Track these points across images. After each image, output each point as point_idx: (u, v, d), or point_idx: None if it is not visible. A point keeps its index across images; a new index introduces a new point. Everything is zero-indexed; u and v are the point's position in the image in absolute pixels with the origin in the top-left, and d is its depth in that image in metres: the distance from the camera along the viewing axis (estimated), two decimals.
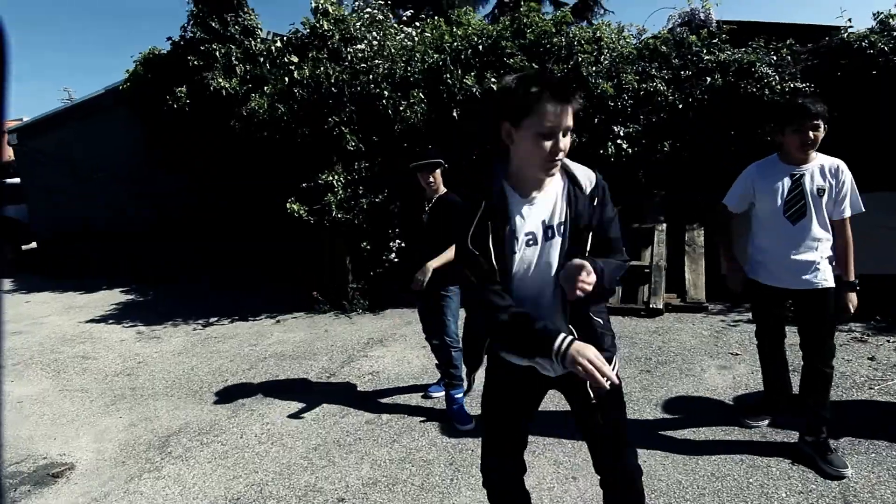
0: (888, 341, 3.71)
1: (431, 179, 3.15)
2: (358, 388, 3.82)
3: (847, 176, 2.42)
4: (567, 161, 1.47)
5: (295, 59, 5.28)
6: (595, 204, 1.47)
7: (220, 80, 6.61)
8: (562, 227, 1.46)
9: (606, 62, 5.00)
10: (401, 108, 5.20)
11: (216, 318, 5.97)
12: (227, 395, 3.91)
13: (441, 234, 3.13)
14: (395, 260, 5.56)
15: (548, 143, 1.35)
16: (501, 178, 1.48)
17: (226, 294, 6.89)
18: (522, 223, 1.46)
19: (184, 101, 6.89)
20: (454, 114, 5.09)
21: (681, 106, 4.73)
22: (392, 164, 5.46)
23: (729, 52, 4.78)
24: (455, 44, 5.33)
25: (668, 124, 4.78)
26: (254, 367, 4.41)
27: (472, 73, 5.09)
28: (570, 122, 1.35)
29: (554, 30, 5.12)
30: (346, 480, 2.69)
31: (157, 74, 7.60)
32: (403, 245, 3.16)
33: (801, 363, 2.53)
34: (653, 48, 4.97)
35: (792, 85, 4.53)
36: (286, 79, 5.20)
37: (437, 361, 3.55)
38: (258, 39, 7.15)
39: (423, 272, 3.08)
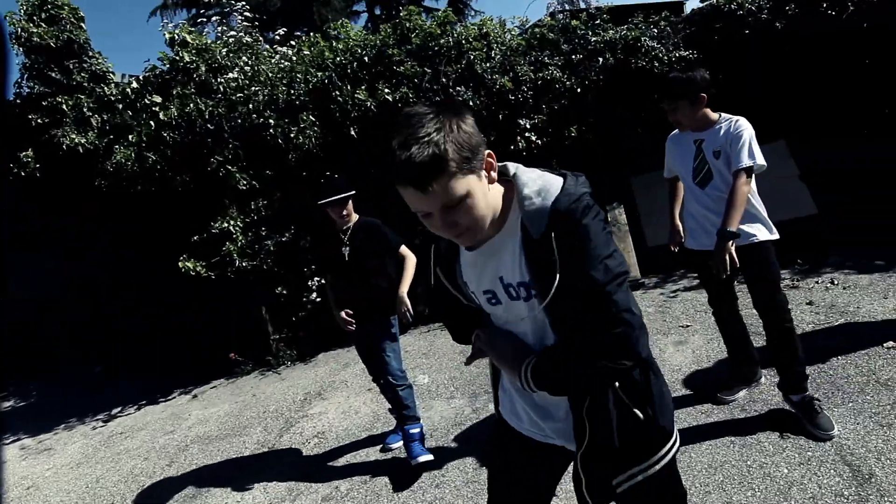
0: (817, 282, 3.84)
1: (345, 213, 2.86)
2: (304, 457, 3.31)
3: (744, 132, 2.40)
4: (526, 198, 1.07)
5: (158, 99, 4.62)
6: (553, 252, 1.04)
7: (73, 135, 5.72)
8: (526, 287, 1.10)
9: (498, 57, 4.87)
10: (291, 136, 4.73)
11: (119, 409, 5.10)
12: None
13: (371, 260, 2.89)
14: (318, 300, 5.06)
15: (428, 222, 1.05)
16: None
17: (124, 376, 5.97)
18: (473, 276, 1.18)
19: (32, 166, 5.90)
20: (352, 132, 4.71)
21: (579, 90, 4.70)
22: (293, 198, 4.97)
23: (613, 31, 4.83)
24: (338, 59, 4.95)
25: (570, 110, 4.74)
26: (174, 460, 3.73)
27: (363, 87, 4.74)
28: (445, 200, 0.99)
29: (439, 31, 4.91)
30: None
31: None
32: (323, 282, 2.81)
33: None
34: (541, 37, 4.91)
35: (677, 54, 4.65)
36: (151, 123, 4.53)
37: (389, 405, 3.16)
38: (111, 84, 6.31)
39: (401, 302, 2.78)
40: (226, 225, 4.62)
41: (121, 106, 6.00)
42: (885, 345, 2.82)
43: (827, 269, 3.99)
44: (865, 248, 4.07)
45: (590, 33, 4.83)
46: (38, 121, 6.03)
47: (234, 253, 4.67)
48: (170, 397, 5.07)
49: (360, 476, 2.93)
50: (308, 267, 5.09)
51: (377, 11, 17.81)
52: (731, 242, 2.26)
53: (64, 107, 5.94)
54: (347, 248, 2.90)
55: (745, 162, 2.32)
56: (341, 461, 3.16)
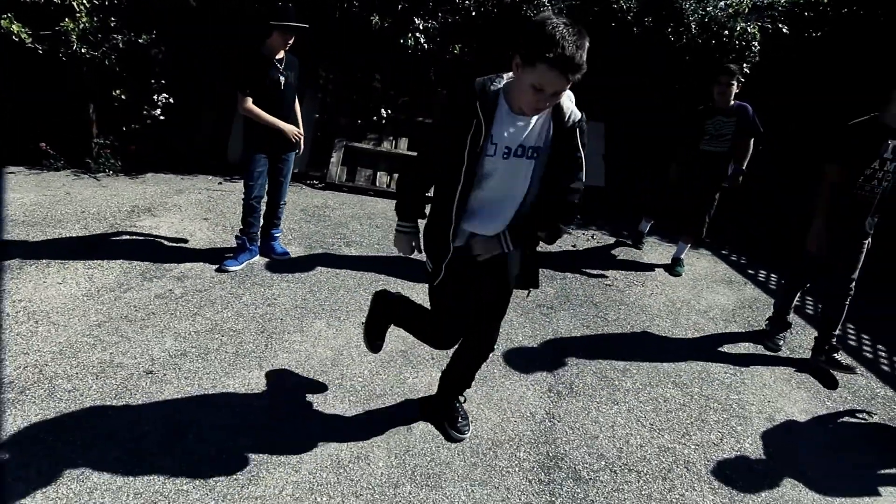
0: (583, 233, 5.16)
1: (290, 42, 3.21)
2: (134, 259, 3.46)
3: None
4: (565, 104, 1.68)
5: None
6: (570, 136, 1.69)
7: None
8: (535, 151, 1.70)
9: None
10: None
11: None
12: None
13: (295, 92, 3.42)
14: (161, 118, 4.82)
15: (538, 96, 1.52)
16: (501, 86, 1.66)
17: None
18: (502, 134, 1.65)
19: None
20: None
21: (474, 13, 5.12)
22: None
23: None
24: None
25: (461, 28, 5.14)
26: None
27: None
28: (564, 88, 1.53)
29: None
30: (150, 353, 2.62)
31: None
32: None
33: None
34: None
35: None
36: None
37: (238, 233, 3.51)
38: None
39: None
40: None
41: None
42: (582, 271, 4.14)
43: (592, 227, 5.37)
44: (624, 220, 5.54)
45: None
46: None
47: (71, 34, 4.15)
48: None
49: (194, 286, 3.26)
50: (157, 80, 4.76)
51: None
52: None
53: None
54: (283, 77, 3.24)
55: None
56: (175, 271, 3.41)
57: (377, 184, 5.31)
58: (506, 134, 1.66)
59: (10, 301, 2.86)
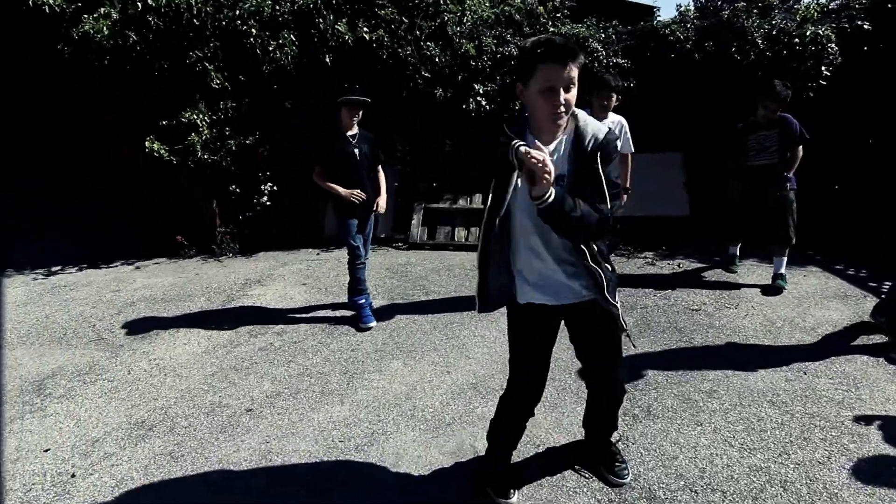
0: (668, 263, 4.96)
1: (357, 117, 3.67)
2: (243, 321, 3.99)
3: (627, 129, 3.83)
4: (582, 115, 1.68)
5: None
6: (591, 160, 1.63)
7: None
8: (562, 178, 1.67)
9: (469, 24, 5.50)
10: (270, 49, 5.14)
11: (59, 267, 5.45)
12: (99, 338, 3.81)
13: (373, 163, 3.83)
14: (268, 203, 5.61)
15: (550, 98, 1.57)
16: (527, 128, 1.72)
17: (64, 240, 6.21)
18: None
19: None
20: (327, 59, 5.20)
21: None
22: (261, 105, 5.42)
23: (569, 26, 5.59)
24: None
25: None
26: (122, 311, 4.28)
27: (345, 20, 5.20)
28: (571, 76, 1.55)
29: None
30: (251, 395, 2.99)
31: None
32: (334, 176, 3.49)
33: None
34: (508, 16, 5.57)
35: (615, 60, 5.50)
36: (138, 4, 4.76)
37: (350, 299, 3.94)
38: None
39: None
40: (194, 117, 5.02)
41: None
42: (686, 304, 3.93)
43: (679, 256, 5.13)
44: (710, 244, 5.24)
45: (550, 23, 5.56)
46: None
47: (197, 144, 5.09)
48: (112, 265, 5.48)
49: (290, 340, 3.67)
50: (263, 172, 5.60)
51: None
52: None
53: None
54: (357, 150, 3.68)
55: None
56: (276, 328, 3.87)
57: (455, 239, 5.61)
58: None
59: (147, 360, 3.44)
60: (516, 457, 2.34)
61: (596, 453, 2.30)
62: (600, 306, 1.83)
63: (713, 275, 4.59)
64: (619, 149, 1.81)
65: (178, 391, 3.06)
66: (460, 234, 5.64)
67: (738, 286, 4.32)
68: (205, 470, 2.39)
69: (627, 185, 4.10)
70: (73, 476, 2.39)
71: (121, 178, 6.00)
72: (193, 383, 3.14)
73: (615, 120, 3.84)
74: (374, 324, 3.82)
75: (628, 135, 3.91)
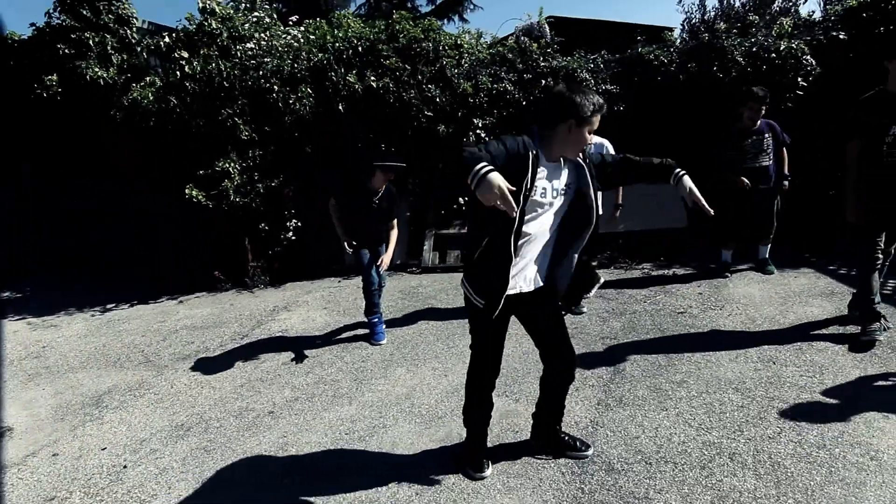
0: (664, 272, 5.20)
1: (392, 178, 4.14)
2: (270, 342, 4.48)
3: (610, 149, 4.13)
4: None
5: (185, 55, 5.61)
6: (588, 170, 2.15)
7: (97, 69, 6.64)
8: (565, 189, 2.16)
9: (466, 65, 6.04)
10: (290, 102, 5.80)
11: (113, 305, 6.13)
12: (147, 360, 4.37)
13: (387, 215, 4.23)
14: (293, 238, 6.19)
15: (588, 137, 2.07)
16: (537, 143, 2.08)
17: (116, 283, 6.95)
18: (543, 179, 2.08)
19: (55, 89, 6.78)
20: (339, 107, 5.81)
21: (524, 103, 5.92)
22: (284, 152, 6.06)
23: (559, 60, 6.05)
24: (337, 44, 6.03)
25: (515, 118, 5.95)
26: (167, 338, 4.85)
27: (354, 72, 5.84)
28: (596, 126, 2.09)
29: (422, 35, 6.03)
30: (273, 401, 3.43)
31: (20, 62, 7.28)
32: (348, 220, 4.07)
33: None
34: (501, 56, 6.09)
35: (604, 87, 5.91)
36: (178, 73, 5.52)
37: (367, 317, 4.33)
38: (133, 29, 7.20)
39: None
40: (227, 166, 5.68)
41: (141, 51, 6.94)
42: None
43: (675, 265, 5.36)
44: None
45: (541, 59, 6.04)
46: (65, 51, 6.87)
47: (230, 189, 5.74)
48: (159, 301, 6.13)
49: (311, 354, 4.12)
50: (288, 210, 6.21)
51: None
52: None
53: (91, 42, 6.83)
54: (376, 206, 4.12)
55: None
56: (298, 346, 4.34)
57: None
58: (547, 181, 2.11)
59: (187, 376, 3.95)
60: (496, 441, 2.69)
61: (554, 441, 2.60)
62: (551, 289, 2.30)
63: (705, 281, 4.82)
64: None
65: (212, 399, 3.54)
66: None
67: (726, 289, 4.54)
68: (231, 461, 2.83)
69: (620, 202, 4.45)
70: (124, 467, 2.87)
71: (163, 221, 6.72)
72: (225, 393, 3.62)
73: (597, 141, 4.23)
74: (385, 340, 4.24)
75: (612, 152, 4.28)
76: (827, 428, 2.59)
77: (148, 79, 6.42)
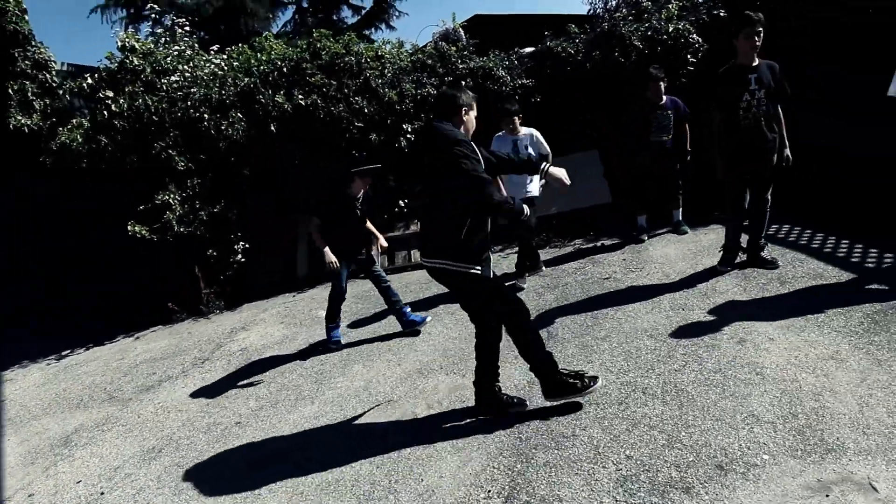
0: (594, 244, 5.66)
1: (370, 182, 4.31)
2: (231, 361, 4.64)
3: (539, 137, 4.54)
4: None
5: (110, 94, 5.66)
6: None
7: (19, 116, 6.59)
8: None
9: (389, 74, 6.33)
10: (222, 128, 5.95)
11: (68, 351, 6.10)
12: (111, 397, 4.45)
13: (368, 216, 4.48)
14: (243, 260, 6.33)
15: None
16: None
17: (67, 329, 6.87)
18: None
19: None
20: (272, 127, 6.00)
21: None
22: (223, 177, 6.20)
23: (476, 61, 6.43)
24: (262, 67, 6.21)
25: None
26: (128, 373, 4.93)
27: (282, 92, 6.03)
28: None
29: (344, 50, 6.29)
30: (239, 412, 3.63)
31: None
32: (328, 224, 4.16)
33: None
34: (422, 62, 6.42)
35: (519, 82, 6.33)
36: (105, 112, 5.58)
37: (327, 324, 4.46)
38: (53, 73, 7.15)
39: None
40: (167, 198, 5.78)
41: (62, 93, 6.91)
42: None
43: (603, 238, 5.83)
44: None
45: (459, 62, 6.41)
46: None
47: (173, 221, 5.83)
48: (115, 340, 6.14)
49: (271, 365, 4.32)
50: (234, 234, 6.34)
51: (304, 4, 18.71)
52: None
53: (10, 90, 6.75)
54: (360, 210, 4.32)
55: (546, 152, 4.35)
56: (258, 358, 4.52)
57: (412, 260, 6.32)
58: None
59: (153, 405, 4.09)
60: (448, 410, 3.00)
61: (496, 401, 2.94)
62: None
63: (629, 247, 5.29)
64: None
65: (179, 421, 3.70)
66: (416, 255, 6.35)
67: (646, 252, 5.01)
68: (204, 469, 3.03)
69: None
70: (102, 493, 3.02)
71: (114, 262, 6.71)
72: (192, 413, 3.78)
73: (526, 132, 4.68)
74: (343, 340, 4.47)
75: (542, 140, 4.74)
76: (722, 354, 3.03)
77: (74, 121, 6.42)
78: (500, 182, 4.58)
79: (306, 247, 6.97)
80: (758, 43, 3.59)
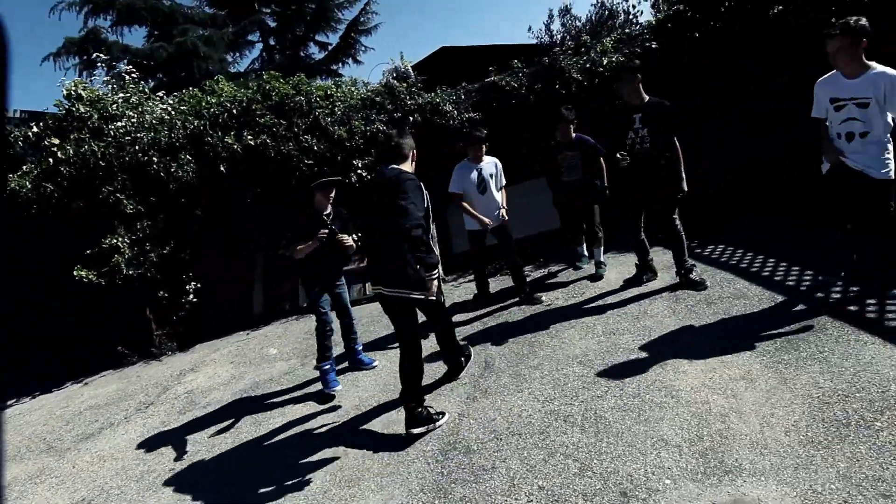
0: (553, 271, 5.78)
1: (333, 193, 4.05)
2: (175, 405, 4.58)
3: (499, 165, 4.77)
4: None
5: (56, 142, 5.68)
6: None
7: None
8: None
9: (339, 112, 6.47)
10: (172, 170, 5.98)
11: (13, 400, 5.93)
12: (49, 447, 4.34)
13: (344, 232, 4.09)
14: (195, 300, 6.28)
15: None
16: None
17: (14, 378, 6.69)
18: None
19: None
20: (222, 168, 6.05)
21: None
22: (173, 219, 6.20)
23: (424, 97, 6.62)
24: (212, 110, 6.30)
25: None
26: (70, 421, 4.81)
27: (232, 133, 6.12)
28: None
29: (293, 91, 6.42)
30: (173, 459, 3.58)
31: None
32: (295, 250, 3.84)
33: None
34: (371, 100, 6.58)
35: (467, 115, 6.52)
36: (50, 160, 5.58)
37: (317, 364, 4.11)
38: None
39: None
40: (115, 241, 5.75)
41: (13, 139, 6.89)
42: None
43: (551, 264, 5.96)
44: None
45: (408, 97, 6.59)
46: None
47: (121, 263, 5.79)
48: (62, 387, 6.00)
49: (214, 407, 4.28)
50: (186, 274, 6.31)
51: (272, 42, 19.01)
52: None
53: None
54: (332, 227, 4.00)
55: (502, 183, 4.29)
56: (202, 401, 4.48)
57: (367, 293, 6.35)
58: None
59: (90, 454, 4.00)
60: (382, 433, 3.01)
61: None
62: None
63: (571, 275, 5.41)
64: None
65: (113, 470, 3.63)
66: (368, 288, 6.39)
67: (586, 279, 5.14)
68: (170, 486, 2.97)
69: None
70: None
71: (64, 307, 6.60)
72: (127, 462, 3.71)
73: (489, 160, 4.84)
74: (339, 387, 3.98)
75: (501, 171, 4.91)
76: (643, 379, 3.11)
77: (25, 167, 6.39)
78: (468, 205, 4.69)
79: (261, 284, 6.98)
80: (640, 86, 4.09)
